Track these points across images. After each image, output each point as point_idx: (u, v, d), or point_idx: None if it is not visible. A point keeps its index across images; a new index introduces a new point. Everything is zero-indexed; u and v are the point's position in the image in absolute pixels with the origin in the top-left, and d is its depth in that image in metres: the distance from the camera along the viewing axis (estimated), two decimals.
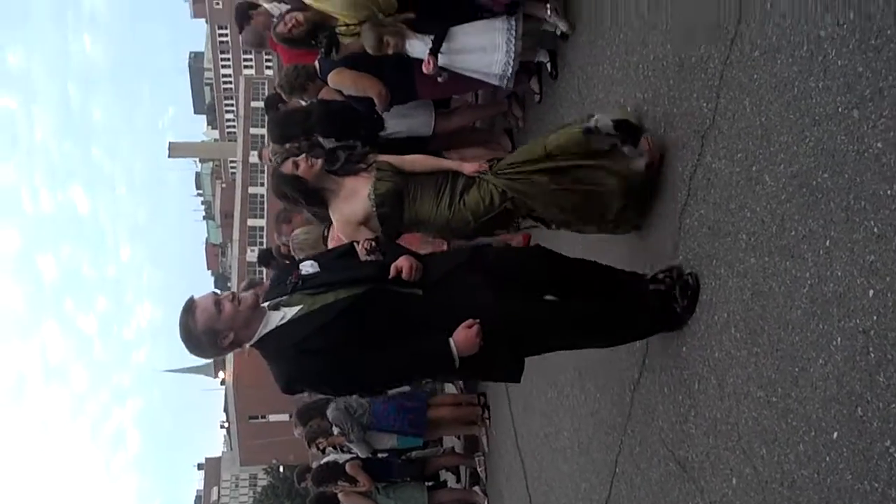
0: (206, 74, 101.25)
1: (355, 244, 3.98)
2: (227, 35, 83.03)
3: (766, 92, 2.94)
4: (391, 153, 4.60)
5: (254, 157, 60.53)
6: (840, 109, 2.53)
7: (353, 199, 4.24)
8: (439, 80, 5.40)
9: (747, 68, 3.09)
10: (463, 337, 3.36)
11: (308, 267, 3.62)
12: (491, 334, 3.38)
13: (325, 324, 3.40)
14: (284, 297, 3.53)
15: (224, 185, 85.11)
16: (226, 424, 68.12)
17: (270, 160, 7.25)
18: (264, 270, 9.09)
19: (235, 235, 69.07)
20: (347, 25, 5.48)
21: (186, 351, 3.55)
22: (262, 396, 46.84)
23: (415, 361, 3.50)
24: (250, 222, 69.53)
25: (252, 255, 59.73)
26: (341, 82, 5.74)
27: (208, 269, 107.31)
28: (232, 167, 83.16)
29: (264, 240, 61.24)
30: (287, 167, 4.36)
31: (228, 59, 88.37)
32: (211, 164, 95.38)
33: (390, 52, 5.28)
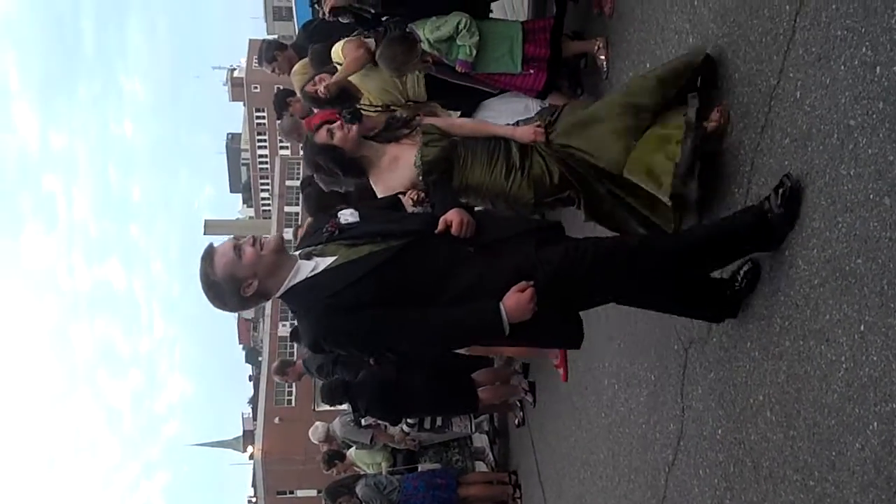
0: (243, 155, 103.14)
1: (400, 196, 3.67)
2: (264, 117, 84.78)
3: (799, 179, 3.00)
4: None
5: (288, 234, 61.11)
6: (871, 196, 2.57)
7: (397, 168, 3.89)
8: None
9: (778, 155, 3.15)
10: (514, 301, 3.01)
11: (348, 216, 3.30)
12: (546, 296, 3.04)
13: (360, 277, 3.05)
14: (318, 247, 3.21)
15: None
16: (253, 499, 67.34)
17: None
18: (296, 346, 9.18)
19: (268, 310, 69.31)
20: (371, 104, 5.62)
21: (211, 305, 3.23)
22: (291, 471, 46.42)
23: (458, 326, 3.10)
24: None
25: (284, 329, 59.93)
26: None
27: (240, 343, 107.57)
28: None
29: None
30: (321, 135, 4.01)
31: (265, 140, 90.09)
32: None
33: None
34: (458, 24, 4.96)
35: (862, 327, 2.61)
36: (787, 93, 3.09)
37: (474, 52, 5.02)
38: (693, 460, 3.87)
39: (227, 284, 3.11)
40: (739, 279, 3.36)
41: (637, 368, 4.72)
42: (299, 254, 3.22)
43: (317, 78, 5.63)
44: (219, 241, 3.19)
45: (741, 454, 3.37)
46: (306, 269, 3.14)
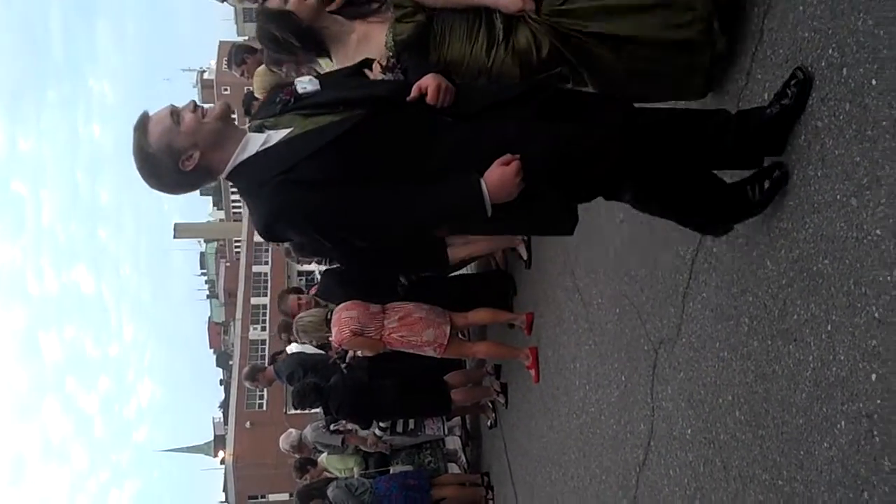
0: None
1: (369, 60, 3.22)
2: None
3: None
4: None
5: (258, 236, 60.79)
6: (838, 197, 2.59)
7: (366, 47, 3.42)
8: None
9: None
10: (498, 176, 2.61)
11: (306, 84, 2.88)
12: (535, 176, 2.66)
13: (319, 149, 2.65)
14: (271, 119, 2.80)
15: (228, 265, 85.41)
16: None
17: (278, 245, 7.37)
18: (266, 354, 9.16)
19: (238, 314, 68.97)
20: None
21: (146, 185, 2.82)
22: (263, 476, 46.16)
23: (433, 203, 2.69)
24: (254, 300, 69.48)
25: (254, 332, 59.67)
26: None
27: (210, 347, 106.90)
28: (236, 247, 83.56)
29: (267, 318, 61.10)
30: (274, 1, 3.53)
31: None
32: (215, 243, 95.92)
33: None
34: None
35: (829, 327, 2.63)
36: (755, 94, 3.11)
37: None
38: (664, 460, 3.89)
39: (164, 156, 2.70)
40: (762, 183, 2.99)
41: (608, 369, 4.74)
42: (249, 126, 2.84)
43: None
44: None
45: (711, 454, 3.39)
46: (256, 142, 2.75)
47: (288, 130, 2.73)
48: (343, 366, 7.37)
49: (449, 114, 2.77)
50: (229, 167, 2.75)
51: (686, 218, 3.24)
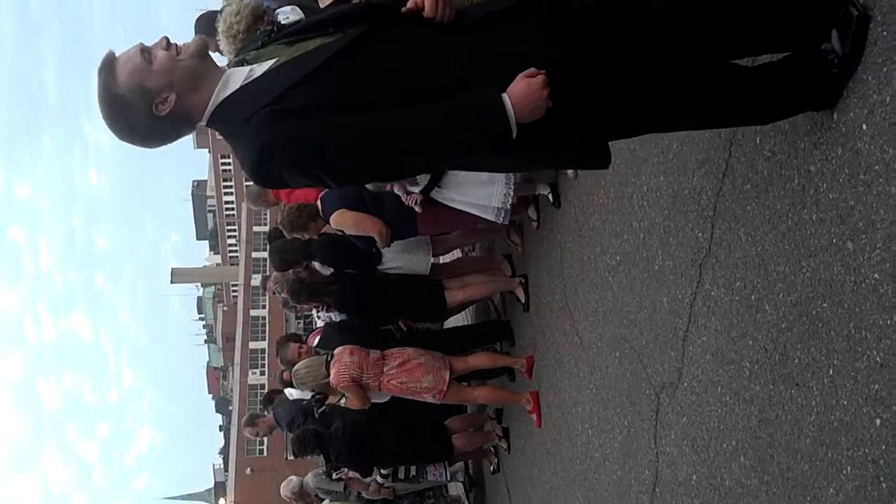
0: (209, 202, 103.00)
1: None
2: (230, 163, 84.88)
3: (761, 223, 3.02)
4: None
5: (255, 280, 60.97)
6: (834, 241, 2.59)
7: None
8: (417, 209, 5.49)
9: (740, 200, 3.17)
10: (523, 89, 2.25)
11: (288, 13, 2.64)
12: (562, 95, 2.30)
13: (310, 73, 2.31)
14: (252, 52, 2.47)
15: (226, 309, 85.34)
16: None
17: (274, 292, 7.36)
18: (267, 410, 9.09)
19: (237, 359, 68.77)
20: None
21: (116, 136, 2.44)
22: None
23: (448, 122, 2.30)
24: (252, 345, 69.33)
25: (253, 377, 59.41)
26: (343, 223, 5.88)
27: (209, 392, 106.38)
28: (234, 291, 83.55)
29: (266, 362, 60.93)
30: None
31: (231, 186, 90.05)
32: (213, 288, 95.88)
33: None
34: None
35: (831, 371, 2.61)
36: (747, 138, 3.12)
37: None
38: None
39: (135, 97, 2.34)
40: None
41: (610, 414, 4.70)
42: (229, 62, 2.51)
43: None
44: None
45: (717, 500, 3.35)
46: (238, 77, 2.41)
47: (273, 61, 2.40)
48: (318, 410, 7.27)
49: (451, 28, 2.41)
50: (209, 109, 2.41)
51: (774, 116, 2.77)
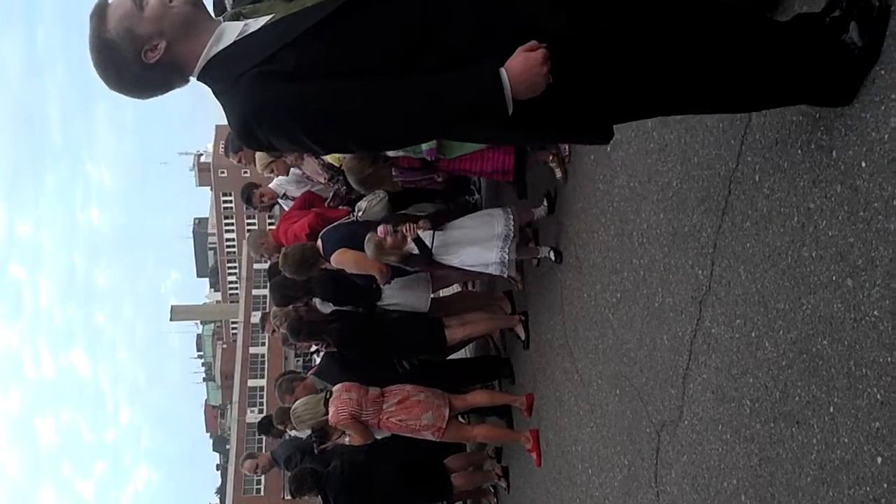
0: (210, 239, 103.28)
1: None
2: (231, 201, 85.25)
3: (761, 260, 3.02)
4: None
5: (255, 318, 60.88)
6: (834, 278, 2.59)
7: None
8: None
9: (740, 237, 3.18)
10: (521, 64, 2.16)
11: None
12: (563, 70, 2.21)
13: (304, 32, 2.22)
14: (249, 6, 2.40)
15: (225, 346, 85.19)
16: None
17: (274, 330, 7.35)
18: (264, 439, 8.97)
19: (235, 397, 68.45)
20: None
21: (105, 85, 2.37)
22: None
23: (441, 93, 2.22)
24: (251, 383, 69.07)
25: (252, 416, 59.03)
26: (344, 263, 5.91)
27: (207, 431, 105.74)
28: (233, 328, 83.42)
29: (265, 401, 60.63)
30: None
31: (232, 224, 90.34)
32: (213, 325, 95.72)
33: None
34: None
35: (831, 409, 2.60)
36: (746, 176, 3.14)
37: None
38: None
39: (124, 43, 2.27)
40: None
41: (610, 452, 4.67)
42: (224, 16, 2.41)
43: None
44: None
45: None
46: (232, 32, 2.33)
47: (269, 16, 2.32)
48: (317, 448, 7.22)
49: None
50: (201, 62, 2.33)
51: (780, 103, 2.71)
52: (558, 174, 5.39)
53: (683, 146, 3.67)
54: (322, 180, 6.60)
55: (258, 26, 2.30)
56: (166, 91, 2.44)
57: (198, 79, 2.36)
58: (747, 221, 3.12)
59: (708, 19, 2.46)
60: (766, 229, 3.00)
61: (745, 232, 3.13)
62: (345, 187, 6.30)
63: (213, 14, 2.43)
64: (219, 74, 2.32)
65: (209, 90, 2.38)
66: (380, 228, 5.45)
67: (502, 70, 2.17)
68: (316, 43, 2.22)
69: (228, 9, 2.52)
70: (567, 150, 5.44)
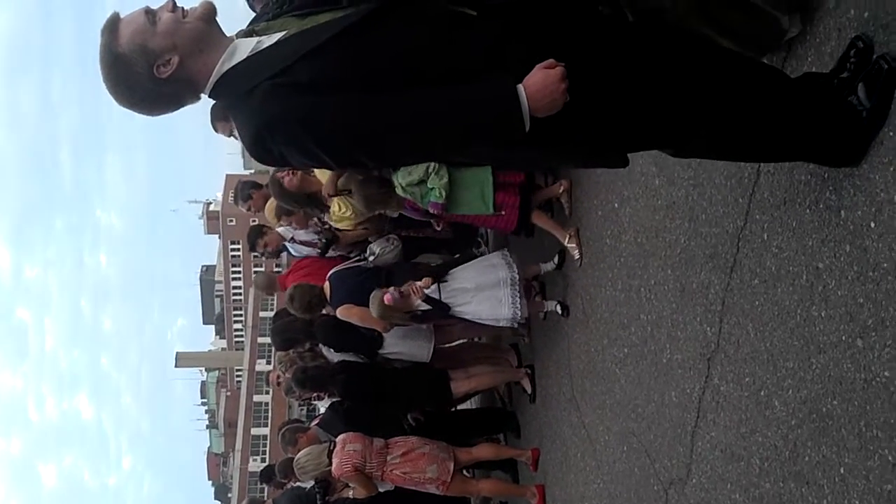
0: (217, 287, 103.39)
1: None
2: (239, 250, 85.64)
3: (770, 319, 3.02)
4: None
5: (260, 366, 60.71)
6: (844, 338, 2.58)
7: None
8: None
9: (748, 295, 3.18)
10: (539, 80, 2.14)
11: None
12: (581, 90, 2.19)
13: (320, 45, 2.21)
14: (262, 24, 2.39)
15: (229, 394, 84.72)
16: None
17: (278, 383, 7.33)
18: (266, 488, 8.90)
19: (238, 444, 67.97)
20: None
21: (116, 100, 2.35)
22: None
23: (458, 109, 2.20)
24: (254, 431, 68.64)
25: (254, 464, 58.56)
26: (349, 317, 5.95)
27: (209, 479, 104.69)
28: (238, 376, 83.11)
29: (267, 449, 60.18)
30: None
31: (239, 273, 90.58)
32: (217, 373, 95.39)
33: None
34: (428, 167, 5.14)
35: (842, 470, 2.57)
36: (755, 234, 3.14)
37: (444, 194, 5.18)
38: None
39: (136, 58, 2.25)
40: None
41: None
42: (238, 33, 2.39)
43: (288, 171, 5.84)
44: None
45: None
46: (245, 48, 2.31)
47: (282, 34, 2.30)
48: (320, 499, 7.14)
49: (471, 5, 2.27)
50: (213, 78, 2.31)
51: (786, 156, 2.75)
52: (576, 255, 5.40)
53: (691, 203, 3.68)
54: (317, 247, 6.77)
55: (272, 42, 2.29)
56: (177, 108, 2.42)
57: (209, 95, 2.35)
58: (756, 279, 3.12)
59: (721, 60, 2.49)
60: (774, 287, 2.99)
61: (754, 290, 3.13)
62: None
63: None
64: (231, 89, 2.30)
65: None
66: (386, 297, 5.49)
67: (520, 86, 2.14)
68: (330, 56, 2.21)
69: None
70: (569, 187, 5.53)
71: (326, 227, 6.53)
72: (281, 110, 2.20)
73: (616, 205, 4.59)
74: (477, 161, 3.13)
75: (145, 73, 2.26)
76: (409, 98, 2.20)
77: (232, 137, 6.36)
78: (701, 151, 2.75)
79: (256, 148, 2.28)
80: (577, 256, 5.35)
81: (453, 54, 2.23)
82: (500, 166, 5.25)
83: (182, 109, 2.42)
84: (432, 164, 5.16)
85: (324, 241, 6.65)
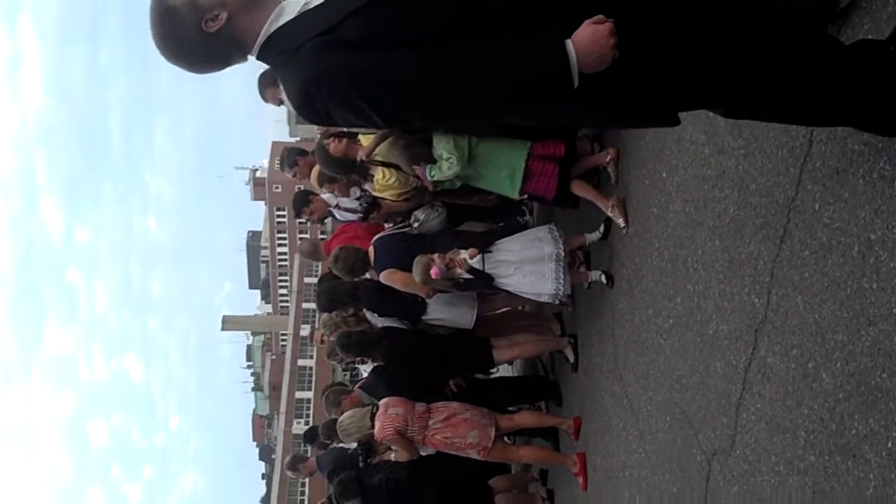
0: (263, 252, 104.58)
1: None
2: (284, 216, 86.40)
3: (819, 290, 2.98)
4: None
5: (304, 331, 61.37)
6: (895, 311, 2.54)
7: None
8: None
9: (798, 266, 3.14)
10: (588, 36, 2.11)
11: None
12: (629, 44, 2.16)
13: (363, 5, 2.19)
14: None
15: (274, 357, 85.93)
16: None
17: (322, 341, 7.40)
18: (309, 449, 9.05)
19: (282, 407, 68.98)
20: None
21: (162, 54, 2.36)
22: None
23: (506, 65, 2.17)
24: (298, 394, 69.57)
25: (298, 426, 59.42)
26: (392, 282, 5.99)
27: (254, 440, 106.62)
28: (283, 340, 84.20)
29: (311, 412, 61.01)
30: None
31: (285, 238, 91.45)
32: (262, 337, 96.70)
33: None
34: (450, 157, 5.31)
35: (889, 444, 2.54)
36: (806, 205, 3.10)
37: (435, 176, 5.44)
38: None
39: (185, 10, 2.27)
40: None
41: (658, 480, 4.61)
42: None
43: (334, 138, 5.89)
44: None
45: None
46: (293, 8, 2.31)
47: None
48: (362, 461, 7.23)
49: None
50: (261, 38, 2.32)
51: (839, 121, 2.69)
52: (621, 224, 5.35)
53: (741, 173, 3.63)
54: (358, 210, 6.82)
55: (319, 1, 2.27)
56: (223, 66, 2.43)
57: (257, 57, 2.35)
58: (806, 250, 3.08)
59: (771, 20, 2.43)
60: (825, 259, 2.95)
61: (804, 261, 3.09)
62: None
63: None
64: (279, 47, 2.29)
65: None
66: (433, 271, 5.52)
67: (568, 42, 2.11)
68: (378, 13, 2.19)
69: None
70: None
71: (366, 192, 6.58)
72: (328, 66, 2.19)
73: (664, 174, 4.54)
74: (528, 120, 3.05)
75: (193, 26, 2.28)
76: (457, 55, 2.19)
77: (281, 105, 6.42)
78: (753, 112, 2.67)
79: (303, 104, 2.27)
80: (622, 225, 5.31)
81: (501, 10, 2.21)
82: (550, 128, 5.24)
83: (231, 77, 2.47)
84: (454, 157, 5.29)
85: (364, 205, 6.69)
